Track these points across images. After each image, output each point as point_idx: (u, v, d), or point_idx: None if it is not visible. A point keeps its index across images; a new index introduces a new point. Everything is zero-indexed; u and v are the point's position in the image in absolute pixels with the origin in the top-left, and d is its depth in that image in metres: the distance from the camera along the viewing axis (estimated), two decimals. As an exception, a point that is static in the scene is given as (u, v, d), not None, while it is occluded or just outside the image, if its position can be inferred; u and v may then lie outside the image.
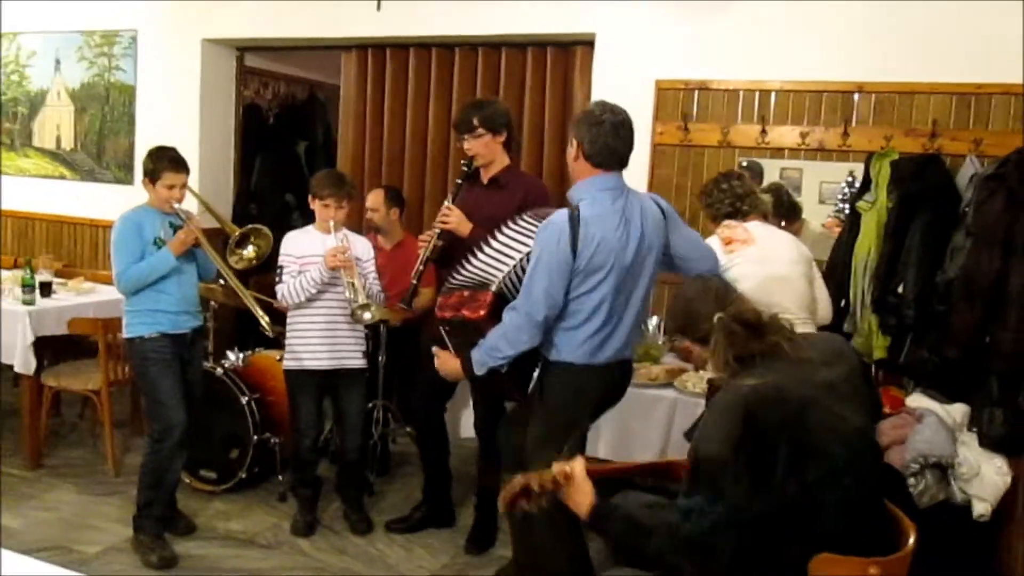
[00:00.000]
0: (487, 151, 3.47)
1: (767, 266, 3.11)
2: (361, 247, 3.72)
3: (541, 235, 2.70)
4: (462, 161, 3.54)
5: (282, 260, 3.65)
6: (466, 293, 2.90)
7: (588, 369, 2.78)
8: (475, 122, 3.42)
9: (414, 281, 3.48)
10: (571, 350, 2.77)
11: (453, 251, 3.38)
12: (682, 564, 1.94)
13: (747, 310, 2.16)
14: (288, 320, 3.71)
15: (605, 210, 2.68)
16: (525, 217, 2.93)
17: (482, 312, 2.82)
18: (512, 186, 3.47)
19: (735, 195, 3.30)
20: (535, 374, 2.89)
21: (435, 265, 3.56)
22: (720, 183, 3.38)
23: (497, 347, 2.73)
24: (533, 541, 2.86)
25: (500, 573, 3.34)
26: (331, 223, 3.57)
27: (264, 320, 3.57)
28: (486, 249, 2.90)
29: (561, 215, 2.67)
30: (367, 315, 3.46)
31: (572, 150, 2.76)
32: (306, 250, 3.63)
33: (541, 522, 2.68)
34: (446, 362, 2.94)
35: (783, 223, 3.82)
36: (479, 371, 2.77)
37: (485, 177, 3.53)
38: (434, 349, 3.01)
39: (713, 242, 3.20)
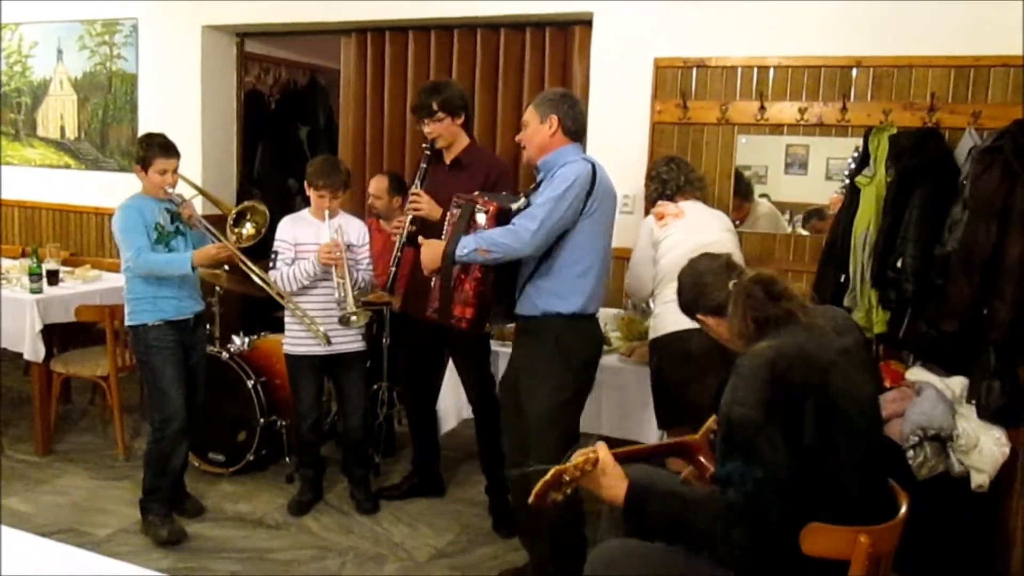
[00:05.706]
0: (448, 133, 3.51)
1: (698, 234, 3.34)
2: (355, 232, 3.73)
3: (568, 176, 2.79)
4: (423, 145, 3.57)
5: (277, 245, 3.67)
6: (487, 196, 2.99)
7: (594, 318, 2.99)
8: (434, 106, 3.44)
9: (393, 268, 3.52)
10: (588, 299, 2.91)
11: (425, 233, 3.41)
12: (730, 536, 1.90)
13: (764, 273, 2.19)
14: (287, 304, 3.74)
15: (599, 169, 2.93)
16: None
17: (491, 208, 2.88)
18: (475, 166, 3.51)
19: (661, 181, 3.60)
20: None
21: (409, 249, 3.57)
22: (650, 171, 3.69)
23: (494, 240, 2.77)
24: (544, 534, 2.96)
25: (504, 574, 3.31)
26: (326, 212, 3.59)
27: (276, 292, 3.60)
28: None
29: (585, 167, 2.83)
30: (353, 319, 3.52)
31: (546, 127, 2.91)
32: (301, 237, 3.65)
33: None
34: (430, 248, 2.95)
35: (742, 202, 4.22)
36: (461, 253, 2.78)
37: (448, 158, 3.57)
38: (420, 239, 3.06)
39: (649, 219, 3.53)
